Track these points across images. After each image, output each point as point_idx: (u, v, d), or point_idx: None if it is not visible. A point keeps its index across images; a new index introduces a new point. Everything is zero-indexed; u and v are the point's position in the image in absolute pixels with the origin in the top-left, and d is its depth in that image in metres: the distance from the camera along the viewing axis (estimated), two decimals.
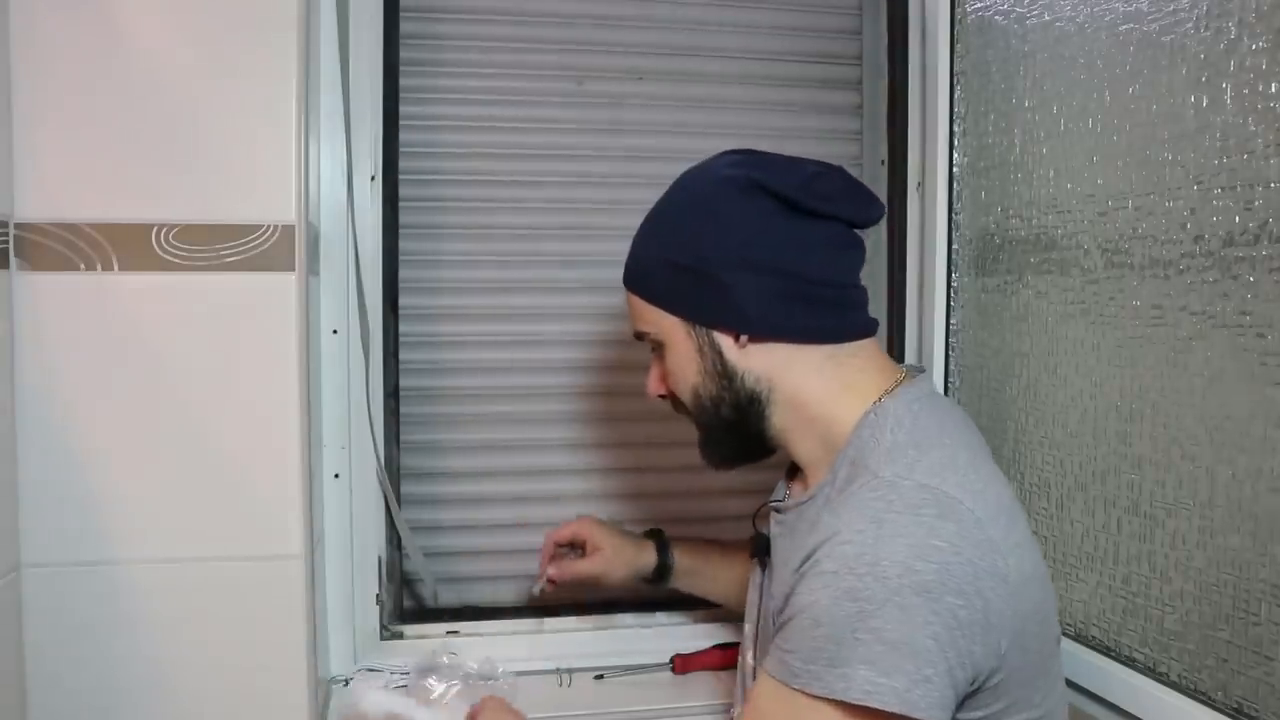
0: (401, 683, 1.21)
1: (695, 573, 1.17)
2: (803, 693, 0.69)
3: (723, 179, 0.84)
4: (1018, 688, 0.74)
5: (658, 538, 1.18)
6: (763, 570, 0.93)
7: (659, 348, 0.89)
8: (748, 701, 0.78)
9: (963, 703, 0.71)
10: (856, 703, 0.67)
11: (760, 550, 0.93)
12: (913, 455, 0.75)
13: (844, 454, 0.80)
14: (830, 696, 0.68)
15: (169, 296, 0.95)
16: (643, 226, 0.90)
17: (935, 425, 0.80)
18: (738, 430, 0.87)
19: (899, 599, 0.67)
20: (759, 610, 0.92)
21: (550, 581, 1.16)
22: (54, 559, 0.93)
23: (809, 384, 0.83)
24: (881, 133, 1.37)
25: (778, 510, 0.91)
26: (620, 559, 1.14)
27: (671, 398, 0.92)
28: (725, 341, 0.83)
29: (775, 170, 0.82)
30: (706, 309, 0.83)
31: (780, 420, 0.85)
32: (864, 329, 0.86)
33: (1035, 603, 0.75)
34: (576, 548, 1.17)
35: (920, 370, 0.90)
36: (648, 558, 1.16)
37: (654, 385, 0.93)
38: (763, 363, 0.83)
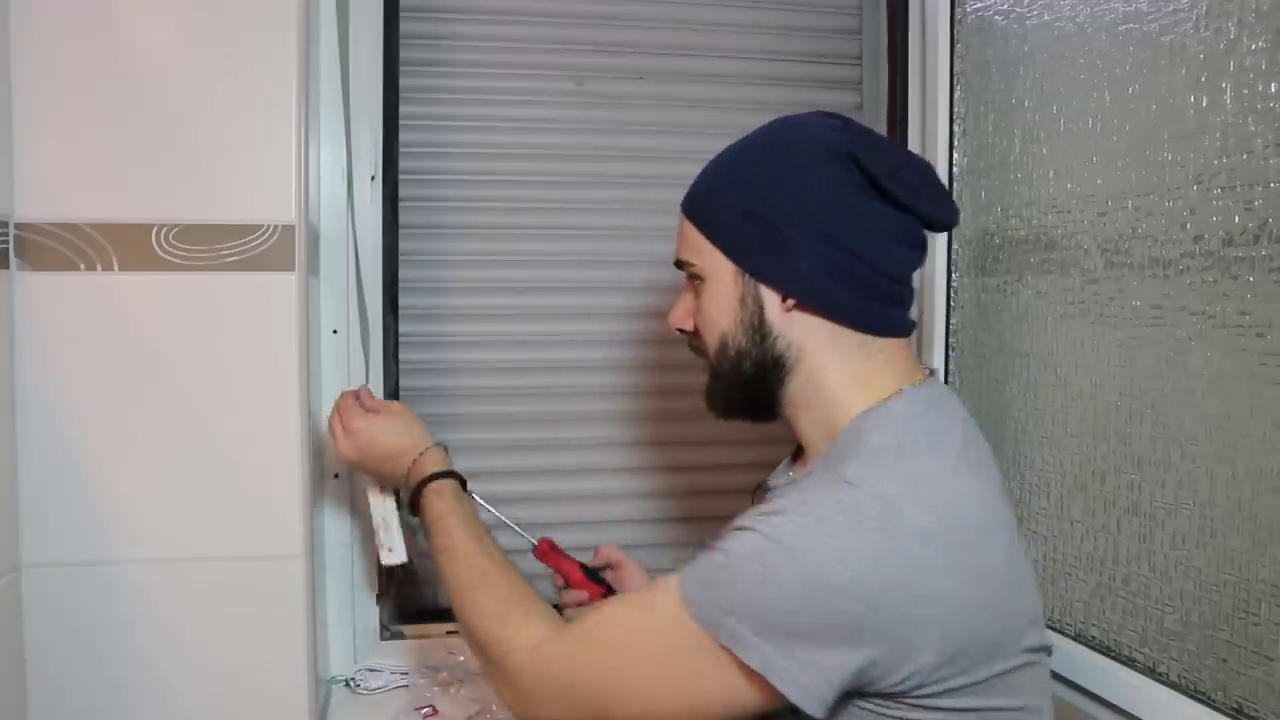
0: (403, 682, 1.22)
1: None
2: (684, 594, 0.73)
3: (819, 139, 0.82)
4: (966, 695, 0.72)
5: None
6: None
7: (698, 282, 0.86)
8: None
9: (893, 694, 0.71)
10: (726, 644, 0.70)
11: None
12: (889, 461, 0.75)
13: (837, 442, 0.81)
14: (704, 624, 0.71)
15: (169, 296, 0.95)
16: (722, 160, 0.87)
17: (927, 430, 0.79)
18: (750, 388, 0.86)
19: (802, 590, 0.69)
20: None
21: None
22: (54, 559, 0.93)
23: (834, 365, 0.83)
24: (881, 133, 1.37)
25: (771, 490, 0.91)
26: None
27: (693, 336, 0.90)
28: (771, 299, 0.83)
29: (872, 148, 0.81)
30: (764, 261, 0.82)
31: (794, 391, 0.85)
32: (902, 327, 0.85)
33: (977, 628, 0.72)
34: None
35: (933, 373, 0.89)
36: None
37: (679, 317, 0.90)
38: (800, 331, 0.83)
